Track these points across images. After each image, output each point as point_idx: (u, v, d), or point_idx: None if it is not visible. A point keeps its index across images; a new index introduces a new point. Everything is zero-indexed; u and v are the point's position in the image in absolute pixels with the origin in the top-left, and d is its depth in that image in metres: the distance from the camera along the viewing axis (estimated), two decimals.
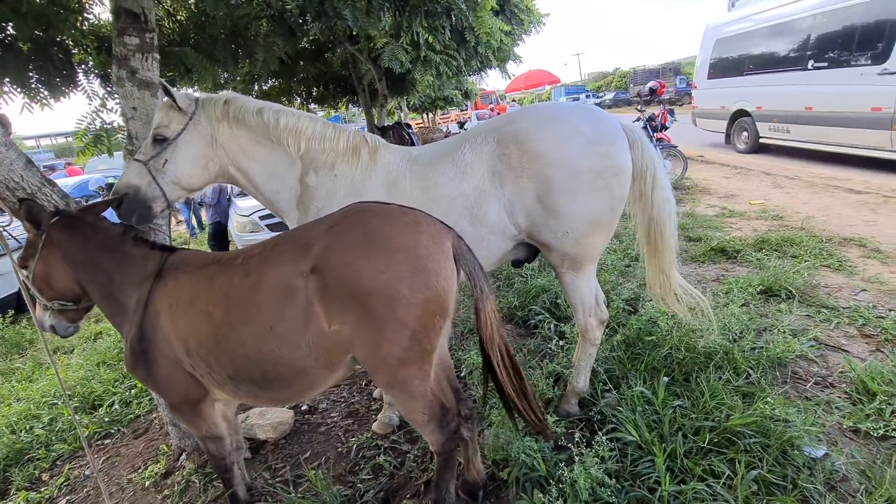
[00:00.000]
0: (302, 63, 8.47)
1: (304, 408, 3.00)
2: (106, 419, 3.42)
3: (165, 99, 2.04)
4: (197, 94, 2.08)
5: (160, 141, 2.00)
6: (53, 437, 3.32)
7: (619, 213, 2.14)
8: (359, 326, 1.45)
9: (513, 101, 20.45)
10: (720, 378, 2.34)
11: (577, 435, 2.04)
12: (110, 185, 9.21)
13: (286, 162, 2.20)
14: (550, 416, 2.21)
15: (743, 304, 3.17)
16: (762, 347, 2.58)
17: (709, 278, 3.82)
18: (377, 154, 2.23)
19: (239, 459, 2.16)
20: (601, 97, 39.43)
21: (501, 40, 6.26)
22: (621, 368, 2.55)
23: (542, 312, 3.20)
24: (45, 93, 3.84)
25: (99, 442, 3.30)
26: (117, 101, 3.21)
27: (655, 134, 7.82)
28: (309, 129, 2.18)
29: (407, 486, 2.21)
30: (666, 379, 2.25)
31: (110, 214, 1.99)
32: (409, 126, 10.61)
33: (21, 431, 3.40)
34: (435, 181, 2.09)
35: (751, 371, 2.39)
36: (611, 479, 1.83)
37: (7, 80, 3.54)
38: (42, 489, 2.84)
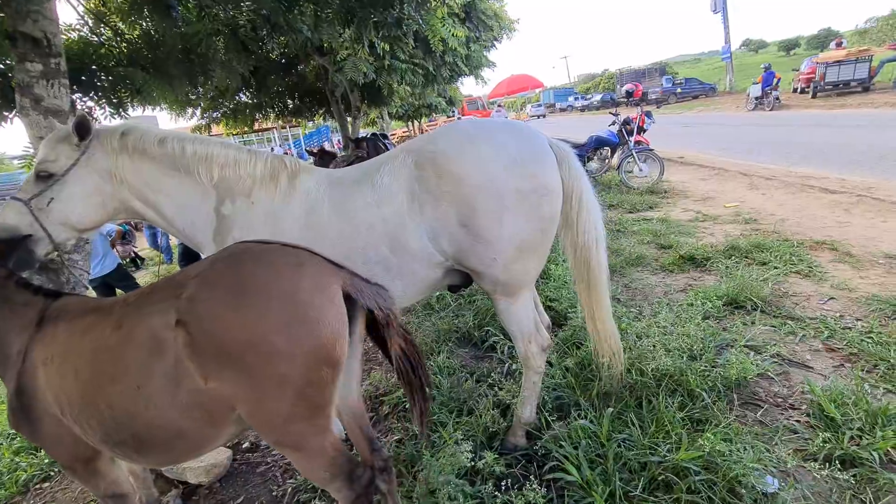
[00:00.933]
0: (273, 77, 8.36)
1: (244, 445, 2.83)
2: (46, 461, 3.24)
3: (55, 131, 1.89)
4: (95, 124, 1.93)
5: (45, 178, 1.84)
6: None
7: (552, 234, 2.00)
8: (237, 383, 1.29)
9: (499, 106, 20.34)
10: (672, 404, 2.19)
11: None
12: None
13: (198, 192, 2.04)
14: (492, 453, 2.06)
15: (705, 318, 3.04)
16: (720, 366, 2.44)
17: (676, 289, 3.69)
18: (297, 179, 2.08)
19: None
20: (589, 98, 39.60)
21: (469, 47, 6.14)
22: (571, 396, 2.40)
23: (498, 334, 3.05)
24: None
25: (38, 485, 3.12)
26: None
27: (632, 137, 7.72)
28: (221, 155, 2.04)
29: None
30: (611, 409, 2.10)
31: None
32: (385, 137, 10.49)
33: None
34: (354, 206, 1.95)
35: (705, 395, 2.25)
36: None
37: None
38: None
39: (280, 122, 11.31)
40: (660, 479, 1.85)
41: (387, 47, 4.44)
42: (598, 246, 2.06)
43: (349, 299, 1.42)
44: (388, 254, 1.93)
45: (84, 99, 4.39)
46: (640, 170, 7.26)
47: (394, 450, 2.41)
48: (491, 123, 2.02)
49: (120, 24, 4.72)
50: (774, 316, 3.05)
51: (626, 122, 7.64)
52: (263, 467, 2.62)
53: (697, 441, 1.91)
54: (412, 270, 1.98)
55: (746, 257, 3.98)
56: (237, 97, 8.31)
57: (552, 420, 2.28)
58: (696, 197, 6.45)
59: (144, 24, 4.64)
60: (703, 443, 1.88)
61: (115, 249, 5.48)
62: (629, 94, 9.60)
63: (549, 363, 2.72)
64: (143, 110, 5.84)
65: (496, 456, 2.06)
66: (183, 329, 1.26)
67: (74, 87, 4.26)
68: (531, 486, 1.78)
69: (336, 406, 1.61)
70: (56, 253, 1.96)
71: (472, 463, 1.96)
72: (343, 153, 8.95)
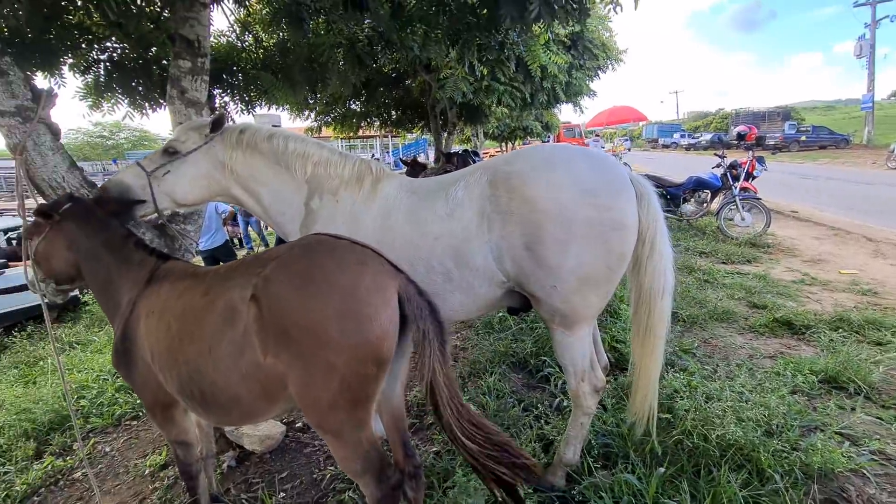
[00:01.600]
0: (382, 89, 8.94)
1: (298, 425, 3.02)
2: (138, 402, 3.70)
3: (196, 119, 2.21)
4: (228, 124, 2.24)
5: (170, 153, 2.15)
6: (94, 410, 3.65)
7: (620, 271, 1.93)
8: (291, 363, 1.41)
9: (596, 135, 19.61)
10: (736, 480, 1.97)
11: None
12: None
13: (293, 186, 2.27)
14: (525, 488, 2.00)
15: (793, 392, 2.69)
16: (802, 450, 2.15)
17: (764, 354, 3.32)
18: (380, 184, 2.23)
19: (208, 469, 2.21)
20: (697, 137, 37.16)
21: (571, 74, 6.12)
22: (622, 447, 2.26)
23: (553, 365, 2.96)
24: (145, 103, 4.43)
25: (128, 422, 3.57)
26: None
27: (738, 183, 7.11)
28: (316, 154, 2.25)
29: None
30: (662, 470, 1.94)
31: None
32: (476, 154, 10.69)
33: (72, 398, 3.78)
34: (425, 216, 2.03)
35: (777, 478, 1.99)
36: None
37: (118, 90, 4.13)
38: (68, 458, 3.12)
39: (382, 130, 12.04)
40: None
41: (486, 70, 4.58)
42: (665, 295, 1.95)
43: (402, 305, 1.49)
44: (451, 266, 1.98)
45: (222, 94, 5.07)
46: (743, 219, 6.65)
47: (430, 460, 2.44)
48: (572, 150, 2.01)
49: (261, 33, 5.40)
50: (883, 406, 2.62)
51: (733, 166, 7.06)
52: (310, 449, 2.78)
53: None
54: (472, 286, 2.01)
55: (857, 332, 3.47)
56: (348, 104, 9.00)
57: (596, 467, 2.17)
58: (806, 257, 5.75)
59: (280, 34, 5.25)
60: None
61: (225, 228, 6.21)
62: (741, 136, 8.85)
63: (604, 407, 2.58)
64: (269, 108, 6.59)
65: (530, 490, 2.00)
66: (255, 304, 1.41)
67: (215, 83, 4.95)
68: None
69: (378, 404, 1.68)
70: (157, 217, 2.28)
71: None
72: (434, 166, 9.29)
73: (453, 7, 3.80)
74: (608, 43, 7.10)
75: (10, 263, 6.00)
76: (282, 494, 2.37)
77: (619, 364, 3.07)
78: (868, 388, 2.72)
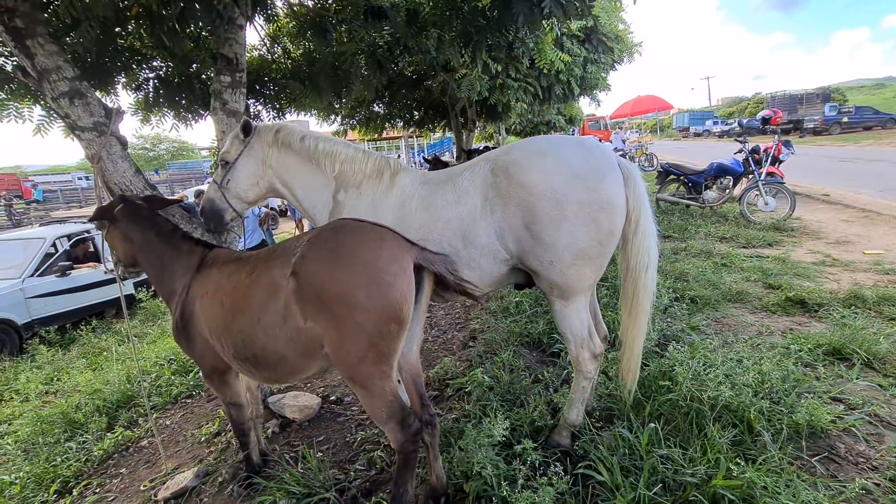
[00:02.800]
0: (403, 91, 9.28)
1: (332, 398, 3.36)
2: (191, 383, 4.14)
3: (233, 131, 2.56)
4: (255, 124, 2.58)
5: (224, 165, 2.54)
6: (154, 391, 4.10)
7: (610, 246, 2.14)
8: (326, 325, 1.71)
9: (619, 127, 19.27)
10: (726, 435, 2.15)
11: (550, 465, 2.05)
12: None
13: (323, 181, 2.58)
14: (533, 443, 2.23)
15: (796, 363, 2.81)
16: (788, 410, 2.30)
17: (772, 331, 3.42)
18: (397, 177, 2.51)
19: (257, 428, 2.55)
20: (731, 124, 35.92)
21: (586, 68, 6.25)
22: (623, 409, 2.46)
23: (564, 343, 3.17)
24: (188, 115, 4.89)
25: (184, 399, 4.01)
26: None
27: (762, 168, 7.03)
28: (343, 153, 2.55)
29: (390, 482, 2.40)
30: (652, 425, 2.14)
31: None
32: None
33: (135, 381, 4.27)
34: (436, 203, 2.30)
35: (765, 434, 2.15)
36: None
37: (164, 104, 4.60)
38: (135, 429, 3.56)
39: (406, 131, 12.40)
40: (691, 499, 1.87)
41: (500, 67, 4.79)
42: (649, 269, 2.16)
43: (418, 273, 1.77)
44: (459, 246, 2.25)
45: (256, 104, 5.50)
46: (766, 204, 6.59)
47: (449, 425, 2.71)
48: (564, 139, 2.23)
49: (289, 45, 5.80)
50: (885, 375, 2.71)
51: (755, 151, 6.99)
52: (342, 418, 3.10)
53: (742, 472, 1.88)
54: (479, 264, 2.27)
55: (871, 309, 3.51)
56: (371, 107, 9.38)
57: (597, 426, 2.38)
58: (831, 239, 5.69)
59: (307, 44, 5.64)
60: (747, 474, 1.85)
61: (261, 228, 6.72)
62: (766, 120, 8.66)
63: (607, 376, 2.79)
64: (298, 114, 7.04)
65: (535, 445, 2.24)
66: (294, 278, 1.71)
67: (249, 94, 5.38)
68: (555, 469, 1.93)
69: (398, 362, 1.96)
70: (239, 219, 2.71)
71: (505, 438, 2.16)
72: (455, 163, 9.57)
73: (465, 10, 4.04)
74: (622, 35, 7.16)
75: (74, 266, 6.65)
76: (319, 454, 2.69)
77: None
78: (872, 359, 2.81)
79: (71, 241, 6.83)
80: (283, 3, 5.15)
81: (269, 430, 3.01)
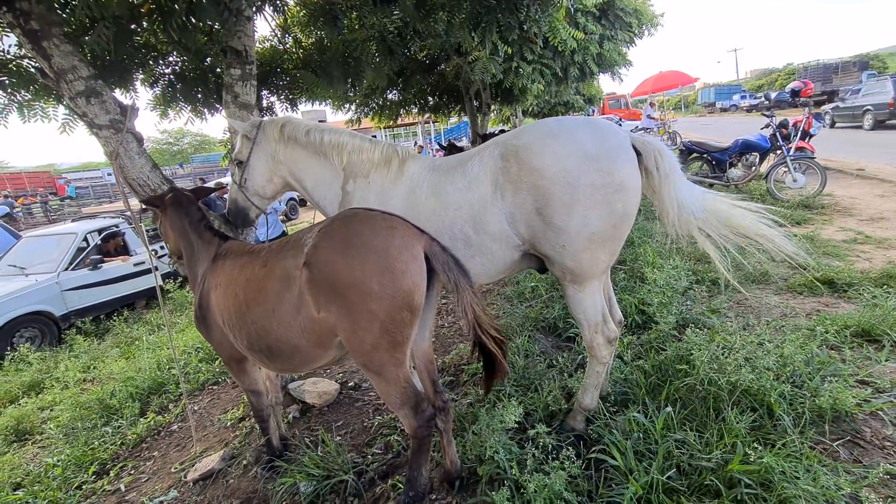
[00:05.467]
0: (417, 77, 9.19)
1: (350, 384, 3.43)
2: (217, 370, 4.29)
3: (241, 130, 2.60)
4: (260, 119, 2.60)
5: (239, 164, 2.58)
6: (183, 378, 4.27)
7: (624, 230, 2.10)
8: (340, 314, 1.73)
9: (650, 104, 18.36)
10: (753, 422, 2.11)
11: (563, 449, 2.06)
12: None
13: (331, 172, 2.60)
14: (546, 427, 2.24)
15: (822, 346, 2.72)
16: (814, 394, 2.24)
17: (798, 312, 3.31)
18: (405, 165, 2.50)
19: (277, 414, 2.63)
20: (758, 98, 34.40)
21: (602, 45, 6.05)
22: (639, 394, 2.44)
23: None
24: (204, 109, 4.97)
25: (210, 386, 4.16)
26: None
27: (791, 143, 6.73)
28: (349, 143, 2.56)
29: (406, 465, 2.45)
30: (668, 409, 2.12)
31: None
32: None
33: (165, 369, 4.45)
34: (446, 189, 2.29)
35: (785, 418, 2.10)
36: (575, 497, 1.84)
37: (181, 99, 4.68)
38: (166, 415, 3.72)
39: (421, 117, 12.31)
40: (707, 484, 1.85)
41: (510, 50, 4.68)
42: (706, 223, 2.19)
43: (430, 261, 1.77)
44: (471, 232, 2.23)
45: (269, 95, 5.54)
46: (795, 180, 6.32)
47: (464, 410, 2.73)
48: (574, 120, 2.18)
49: (300, 35, 5.80)
50: None
51: (783, 126, 6.69)
52: (360, 404, 3.17)
53: (759, 456, 1.85)
54: (491, 250, 2.25)
55: None
56: (385, 95, 9.34)
57: (612, 411, 2.37)
58: (864, 216, 5.43)
59: (317, 33, 5.63)
60: (765, 459, 1.82)
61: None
62: (796, 92, 8.29)
63: (623, 360, 2.76)
64: (312, 104, 7.06)
65: (549, 430, 2.24)
66: (307, 269, 1.74)
67: (262, 85, 5.42)
68: (567, 453, 1.93)
69: (412, 349, 1.99)
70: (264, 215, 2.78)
71: (519, 423, 2.17)
72: (470, 147, 9.50)
73: None
74: (641, 8, 6.89)
75: (105, 259, 6.91)
76: (338, 438, 2.77)
77: (644, 324, 3.20)
78: None
79: (101, 236, 7.08)
80: None
81: (290, 415, 3.10)
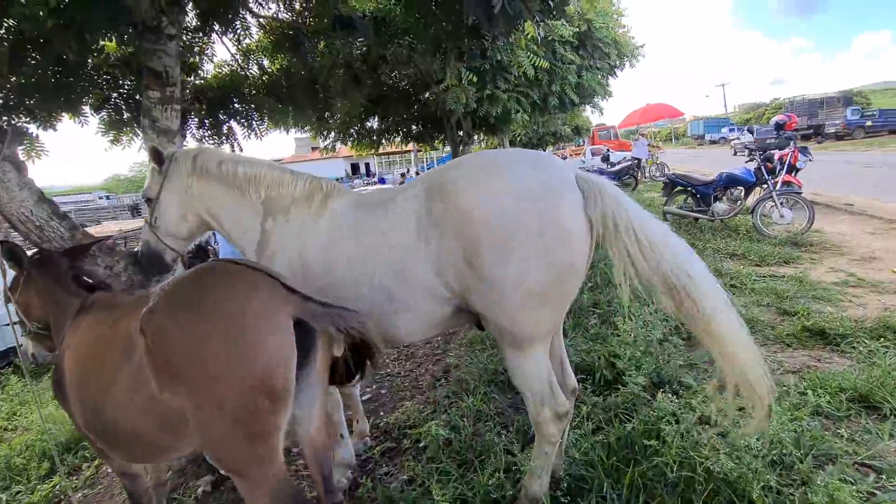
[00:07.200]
0: (397, 105, 9.01)
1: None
2: None
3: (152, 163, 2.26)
4: (170, 150, 2.27)
5: (149, 202, 2.25)
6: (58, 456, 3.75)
7: (570, 284, 1.74)
8: (185, 397, 1.34)
9: (640, 135, 18.00)
10: None
11: None
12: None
13: (250, 209, 2.24)
14: None
15: (815, 414, 2.34)
16: (807, 485, 1.84)
17: (786, 368, 2.94)
18: (328, 201, 2.16)
19: (160, 498, 2.18)
20: (746, 131, 34.97)
21: (581, 76, 5.88)
22: (598, 478, 2.02)
23: None
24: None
25: None
26: None
27: (777, 177, 6.51)
28: (267, 176, 2.22)
29: None
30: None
31: None
32: None
33: None
34: (364, 230, 1.94)
35: None
36: None
37: (136, 124, 4.35)
38: (75, 478, 3.24)
39: (404, 145, 12.14)
40: None
41: (474, 78, 4.46)
42: (692, 278, 1.62)
43: (306, 329, 1.40)
44: (391, 284, 1.87)
45: (227, 119, 5.26)
46: (782, 216, 6.06)
47: (401, 486, 2.31)
48: (515, 154, 1.85)
49: (265, 60, 5.57)
50: None
51: (767, 159, 6.48)
52: (293, 467, 2.72)
53: None
54: (416, 304, 1.88)
55: None
56: (364, 122, 9.13)
57: (564, 502, 1.95)
58: (855, 255, 5.13)
59: (284, 60, 5.41)
60: None
61: None
62: (780, 126, 8.11)
63: (581, 432, 2.35)
64: (280, 131, 6.77)
65: None
66: (143, 337, 1.35)
67: (221, 110, 5.15)
68: None
69: (295, 435, 1.59)
70: (181, 258, 2.46)
71: None
72: None
73: (440, 15, 3.72)
74: (622, 39, 6.77)
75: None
76: None
77: (612, 381, 2.81)
78: None
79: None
80: (256, 18, 4.92)
81: (200, 490, 2.64)
